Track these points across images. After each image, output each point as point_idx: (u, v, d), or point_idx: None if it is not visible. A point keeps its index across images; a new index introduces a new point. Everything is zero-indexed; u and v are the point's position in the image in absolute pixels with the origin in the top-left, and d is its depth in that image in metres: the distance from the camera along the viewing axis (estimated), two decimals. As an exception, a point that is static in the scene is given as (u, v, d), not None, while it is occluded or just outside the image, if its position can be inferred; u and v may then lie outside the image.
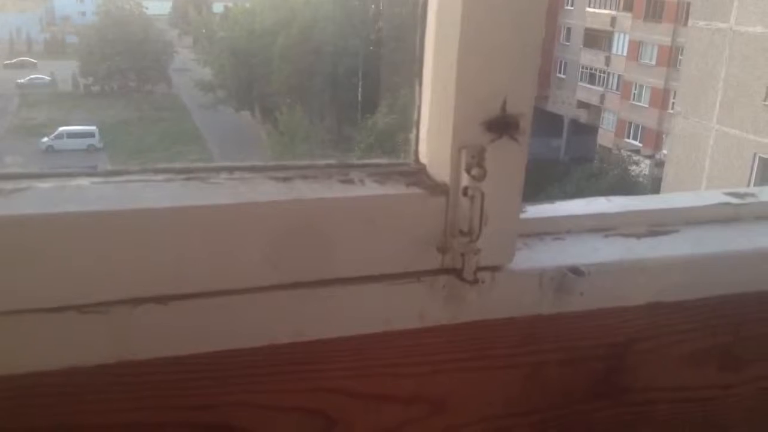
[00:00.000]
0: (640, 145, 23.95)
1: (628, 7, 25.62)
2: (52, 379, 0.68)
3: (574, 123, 27.39)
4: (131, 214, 0.65)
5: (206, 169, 0.71)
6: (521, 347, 0.89)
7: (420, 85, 0.78)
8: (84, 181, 0.68)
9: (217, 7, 20.42)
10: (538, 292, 0.84)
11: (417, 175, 0.78)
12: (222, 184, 0.71)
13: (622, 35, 26.02)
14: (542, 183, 18.95)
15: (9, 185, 0.65)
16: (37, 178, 0.66)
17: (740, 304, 0.97)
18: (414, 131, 0.80)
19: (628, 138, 24.87)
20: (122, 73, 18.96)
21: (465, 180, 0.75)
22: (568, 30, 29.14)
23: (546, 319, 0.87)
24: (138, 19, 19.67)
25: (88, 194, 0.67)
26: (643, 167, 21.37)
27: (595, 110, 27.04)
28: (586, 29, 27.72)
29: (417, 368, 0.85)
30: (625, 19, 25.74)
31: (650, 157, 21.88)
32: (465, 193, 0.76)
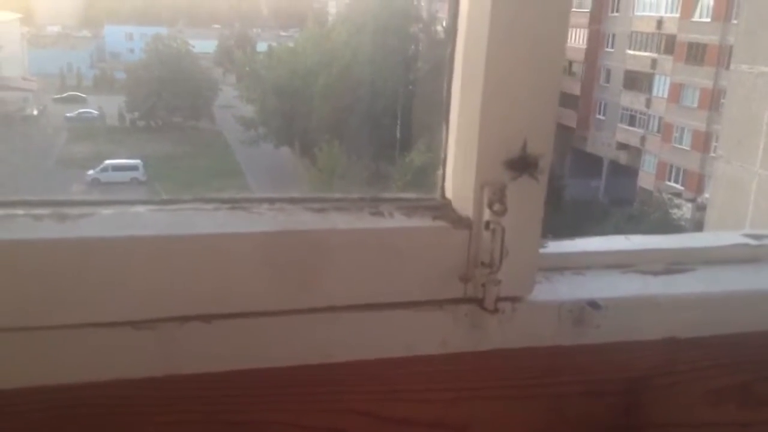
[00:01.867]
0: (682, 188, 23.61)
1: (669, 50, 25.53)
2: (103, 390, 0.75)
3: (614, 164, 27.16)
4: (182, 239, 0.72)
5: (250, 199, 0.78)
6: (541, 378, 0.93)
7: (447, 125, 0.84)
8: (141, 209, 0.75)
9: (261, 47, 20.94)
10: (557, 323, 0.88)
11: (442, 209, 0.84)
12: (263, 214, 0.77)
13: (663, 77, 25.89)
14: (581, 224, 18.77)
15: (76, 211, 0.73)
16: (101, 205, 0.74)
17: (759, 343, 1.00)
18: (441, 168, 0.86)
19: (669, 181, 24.55)
20: (167, 108, 19.45)
21: (487, 215, 0.81)
22: (608, 72, 29.09)
23: (565, 350, 0.91)
24: (184, 57, 20.22)
25: (145, 220, 0.74)
26: (684, 211, 21.01)
27: (635, 152, 26.81)
28: (627, 71, 27.64)
29: (440, 394, 0.90)
30: (666, 61, 25.63)
31: (692, 200, 21.52)
32: (487, 227, 0.81)
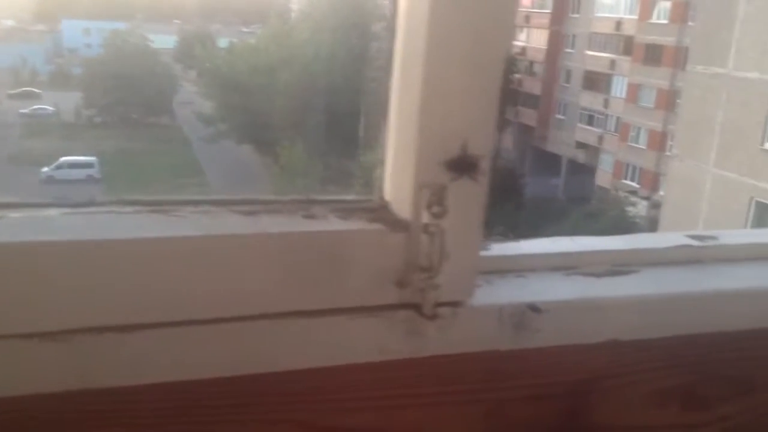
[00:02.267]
0: (638, 186, 24.09)
1: (628, 51, 26.00)
2: (12, 405, 0.70)
3: (573, 163, 27.59)
4: (96, 245, 0.68)
5: (173, 202, 0.74)
6: (483, 383, 0.91)
7: (385, 124, 0.81)
8: (53, 212, 0.70)
9: (222, 43, 20.71)
10: (498, 328, 0.86)
11: (380, 211, 0.81)
12: (186, 217, 0.73)
13: (621, 78, 26.38)
14: (540, 222, 19.00)
15: (-20, 214, 0.68)
16: (8, 208, 0.69)
17: (703, 345, 0.99)
18: (379, 169, 0.83)
19: (626, 179, 25.03)
20: (126, 105, 19.13)
21: (426, 217, 0.78)
22: (568, 72, 29.53)
23: (507, 355, 0.89)
24: (143, 53, 19.91)
25: (56, 224, 0.69)
26: (640, 208, 21.45)
27: (594, 151, 27.27)
28: (586, 71, 28.10)
29: (379, 402, 0.87)
30: (624, 62, 26.10)
31: (647, 198, 21.98)
32: (425, 230, 0.78)
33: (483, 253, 0.93)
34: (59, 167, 15.28)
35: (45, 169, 15.12)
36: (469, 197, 0.80)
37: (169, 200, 0.74)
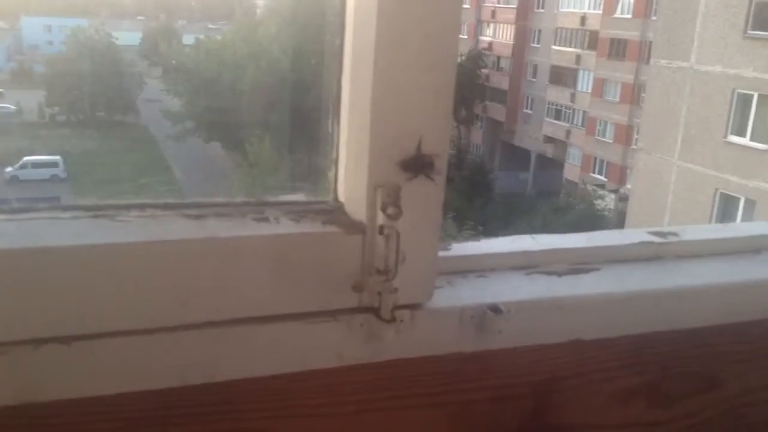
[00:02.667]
0: (606, 179, 24.38)
1: (593, 46, 26.27)
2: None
3: (541, 158, 27.83)
4: (30, 253, 0.64)
5: (117, 206, 0.71)
6: (446, 385, 0.89)
7: (338, 123, 0.79)
8: (-14, 219, 0.67)
9: (188, 39, 20.46)
10: (459, 329, 0.84)
11: (334, 213, 0.78)
12: (130, 222, 0.70)
13: (586, 73, 26.65)
14: (509, 217, 19.13)
15: None
16: (-63, 215, 0.65)
17: (665, 342, 0.98)
18: (333, 169, 0.80)
19: (594, 173, 25.32)
20: (90, 103, 18.81)
21: (381, 219, 0.76)
22: (535, 67, 29.76)
23: (469, 356, 0.87)
24: (107, 50, 19.58)
25: (-12, 232, 0.66)
26: (608, 201, 21.72)
27: (561, 145, 27.53)
28: (552, 66, 28.34)
29: (339, 408, 0.85)
30: (590, 57, 26.37)
31: (615, 191, 22.26)
32: (381, 232, 0.76)
33: (443, 253, 0.91)
34: (23, 167, 14.97)
35: (8, 169, 14.80)
36: (426, 197, 0.77)
37: (112, 204, 0.71)
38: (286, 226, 0.75)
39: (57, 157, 15.57)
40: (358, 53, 0.74)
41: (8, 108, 17.88)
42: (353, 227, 0.77)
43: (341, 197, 0.80)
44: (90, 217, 0.69)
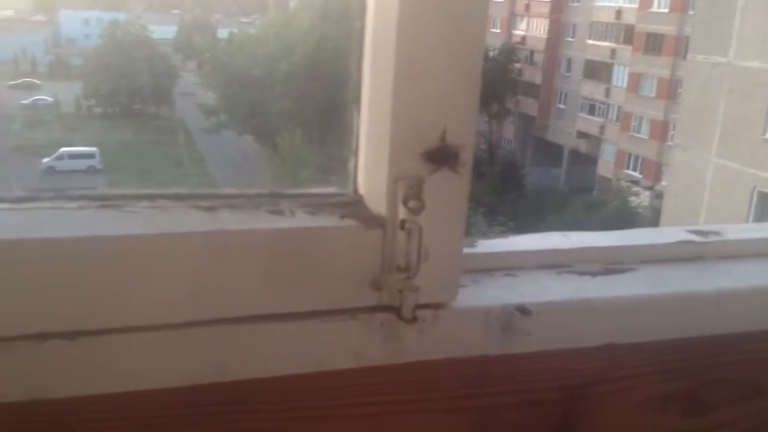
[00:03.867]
0: (640, 176, 23.98)
1: (628, 40, 25.83)
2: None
3: (574, 153, 27.47)
4: (34, 244, 0.61)
5: (125, 196, 0.68)
6: (470, 389, 0.84)
7: (358, 111, 0.75)
8: (-10, 208, 0.64)
9: (222, 33, 20.60)
10: (485, 331, 0.80)
11: (353, 206, 0.74)
12: (138, 213, 0.67)
13: (621, 67, 26.22)
14: (541, 213, 18.91)
15: None
16: (-61, 204, 0.63)
17: (704, 347, 0.93)
18: (353, 160, 0.76)
19: (628, 169, 24.92)
20: (125, 95, 19.06)
21: (402, 213, 0.72)
22: (569, 61, 29.38)
23: (494, 359, 0.83)
24: (143, 43, 19.81)
25: (-9, 221, 0.63)
26: (642, 198, 21.36)
27: (595, 141, 27.13)
28: (587, 60, 27.93)
29: (357, 410, 0.81)
30: (625, 51, 25.94)
31: (650, 188, 21.88)
32: (402, 227, 0.72)
33: (469, 250, 0.86)
34: (59, 158, 15.21)
35: (45, 159, 15.06)
36: (450, 191, 0.73)
37: (120, 194, 0.68)
38: (301, 220, 0.71)
39: (93, 149, 15.79)
40: (379, 37, 0.69)
41: (46, 100, 18.19)
42: (373, 221, 0.73)
43: (361, 190, 0.76)
44: (96, 207, 0.66)
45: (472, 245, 0.87)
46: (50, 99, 18.40)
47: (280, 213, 0.71)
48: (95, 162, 15.37)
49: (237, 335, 0.70)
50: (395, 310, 0.74)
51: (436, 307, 0.77)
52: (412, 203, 0.70)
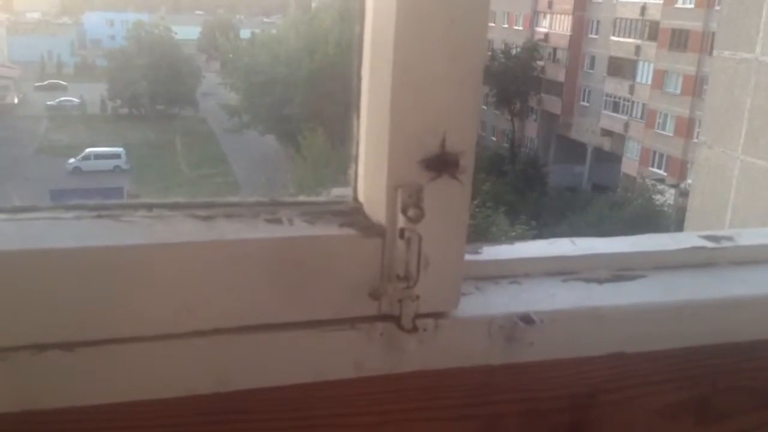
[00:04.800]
0: (665, 174, 23.68)
1: (653, 37, 25.51)
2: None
3: (598, 151, 27.21)
4: (30, 255, 0.61)
5: (122, 206, 0.68)
6: (473, 399, 0.83)
7: (357, 117, 0.74)
8: (-15, 219, 0.64)
9: (245, 33, 20.74)
10: (487, 341, 0.78)
11: (352, 214, 0.74)
12: (136, 223, 0.67)
13: (646, 64, 25.90)
14: (564, 211, 18.75)
15: None
16: (-65, 215, 0.63)
17: (717, 355, 0.91)
18: (353, 167, 0.75)
19: (653, 167, 24.62)
20: (150, 96, 19.28)
21: (401, 221, 0.70)
22: (593, 58, 29.10)
23: (498, 369, 0.81)
24: (167, 44, 20.03)
25: (-13, 232, 0.63)
26: (667, 196, 21.07)
27: (619, 138, 26.85)
28: (611, 57, 27.65)
29: (359, 419, 0.80)
30: (650, 48, 25.61)
31: (675, 186, 21.59)
32: (401, 235, 0.71)
33: (473, 257, 0.85)
34: (86, 158, 15.42)
35: (71, 160, 15.27)
36: (450, 198, 0.72)
37: (119, 204, 0.67)
38: (299, 228, 0.71)
39: (119, 149, 16.00)
40: (378, 40, 0.68)
41: (72, 101, 18.47)
42: (372, 230, 0.72)
43: (361, 197, 0.75)
44: (93, 218, 0.66)
45: (476, 252, 0.86)
46: (76, 100, 18.66)
47: (278, 222, 0.71)
48: (121, 162, 15.55)
49: (236, 345, 0.70)
50: (395, 319, 0.73)
51: (437, 316, 0.76)
52: (411, 211, 0.69)
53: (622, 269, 0.89)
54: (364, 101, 0.72)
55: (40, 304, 0.63)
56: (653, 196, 20.95)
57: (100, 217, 0.66)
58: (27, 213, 0.65)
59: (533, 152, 28.00)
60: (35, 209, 0.65)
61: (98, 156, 15.92)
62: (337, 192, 0.78)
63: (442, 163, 0.70)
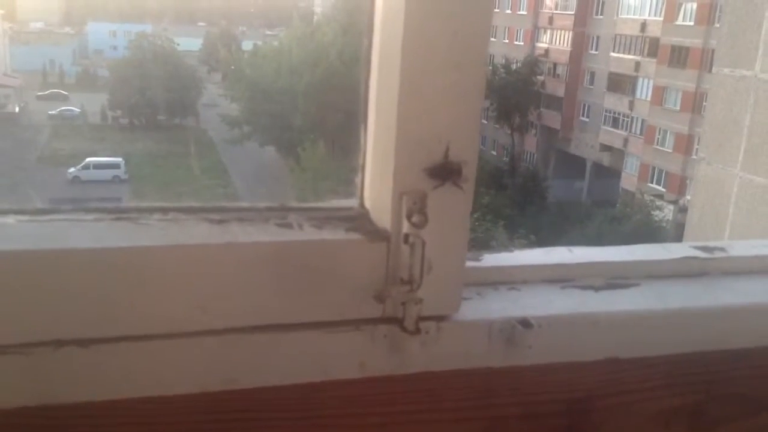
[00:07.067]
0: (664, 190, 23.74)
1: (653, 53, 25.66)
2: (-28, 419, 0.67)
3: (597, 166, 27.30)
4: (52, 254, 0.64)
5: (139, 209, 0.71)
6: (473, 401, 0.86)
7: (365, 127, 0.77)
8: (10, 219, 0.67)
9: (247, 45, 20.84)
10: (487, 343, 0.81)
11: (359, 220, 0.77)
12: (152, 226, 0.70)
13: (646, 80, 26.04)
14: (563, 225, 18.80)
15: (-69, 221, 0.65)
16: (-38, 215, 0.66)
17: (709, 362, 0.93)
18: (360, 175, 0.79)
19: (652, 182, 24.69)
20: (151, 106, 19.33)
21: (406, 227, 0.74)
22: (592, 74, 29.25)
23: (498, 372, 0.84)
24: (169, 55, 20.10)
25: (12, 232, 0.66)
26: (666, 212, 21.12)
27: (618, 154, 26.94)
28: (610, 73, 27.79)
29: (364, 419, 0.83)
30: (649, 64, 25.76)
31: (674, 202, 21.64)
32: (406, 241, 0.74)
33: (474, 264, 0.88)
34: (85, 168, 15.45)
35: (71, 169, 15.30)
36: (453, 206, 0.75)
37: (136, 207, 0.71)
38: (308, 233, 0.74)
39: (119, 159, 16.03)
40: (386, 53, 0.72)
41: (73, 110, 18.52)
42: (377, 235, 0.75)
43: (367, 204, 0.78)
44: (112, 220, 0.69)
45: (477, 259, 0.89)
46: (77, 110, 18.70)
47: (288, 226, 0.74)
48: (120, 172, 15.57)
49: (245, 344, 0.73)
50: (398, 321, 0.76)
51: (439, 319, 0.79)
52: (415, 218, 0.72)
53: (617, 277, 0.92)
54: (372, 111, 0.75)
55: (59, 302, 0.66)
56: (652, 212, 21.01)
57: (118, 219, 0.69)
58: (48, 215, 0.68)
59: (533, 167, 28.09)
60: (57, 211, 0.69)
61: (97, 166, 15.94)
62: (337, 204, 0.81)
63: (445, 172, 0.74)
